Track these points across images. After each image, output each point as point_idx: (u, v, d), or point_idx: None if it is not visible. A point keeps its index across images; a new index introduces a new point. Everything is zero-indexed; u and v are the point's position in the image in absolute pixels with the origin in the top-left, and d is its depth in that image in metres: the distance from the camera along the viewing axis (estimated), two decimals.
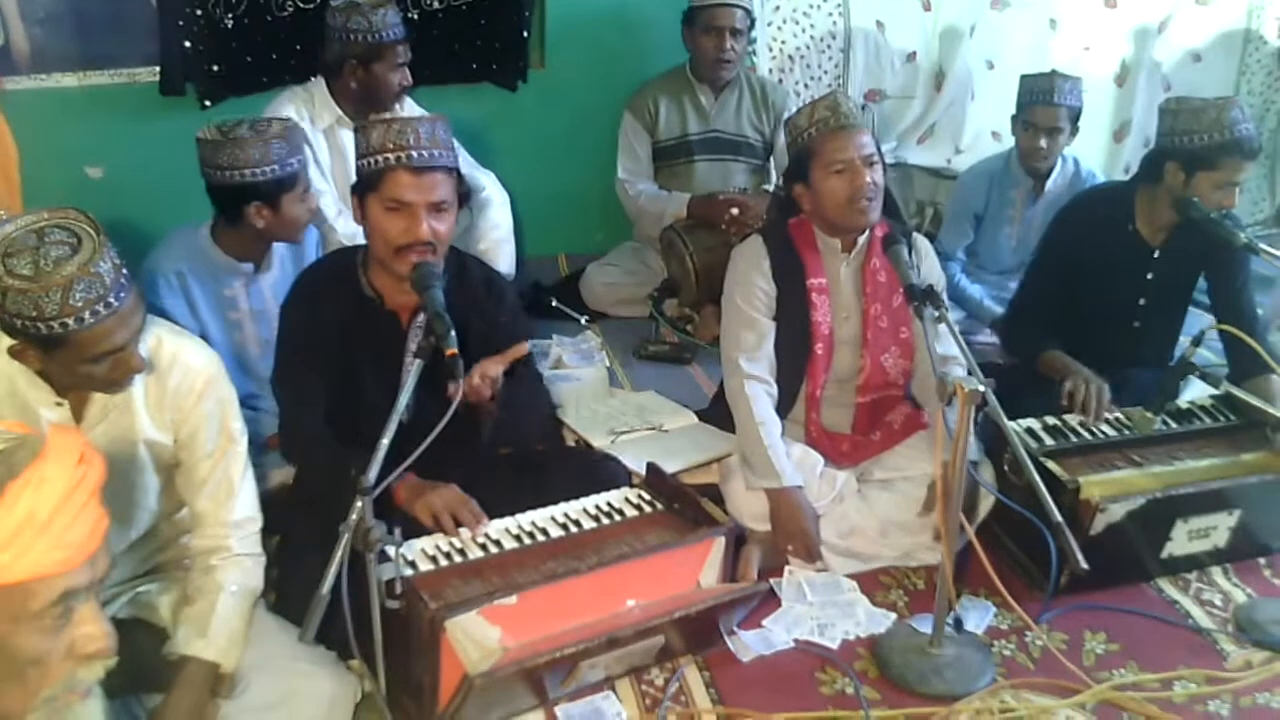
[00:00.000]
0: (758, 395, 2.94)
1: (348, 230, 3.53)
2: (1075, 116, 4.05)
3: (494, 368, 2.47)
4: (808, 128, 2.89)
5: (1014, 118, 4.14)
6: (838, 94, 2.91)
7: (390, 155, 2.44)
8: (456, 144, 3.98)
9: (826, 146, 2.85)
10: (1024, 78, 4.14)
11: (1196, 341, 2.91)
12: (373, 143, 2.47)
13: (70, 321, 1.86)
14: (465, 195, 2.60)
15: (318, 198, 3.04)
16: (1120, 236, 3.30)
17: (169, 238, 3.11)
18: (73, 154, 4.30)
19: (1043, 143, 4.04)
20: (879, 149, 2.91)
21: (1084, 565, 2.24)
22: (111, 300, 1.90)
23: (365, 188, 2.50)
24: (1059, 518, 2.27)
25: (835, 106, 2.87)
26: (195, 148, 2.94)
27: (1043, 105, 4.02)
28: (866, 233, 2.95)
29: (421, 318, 2.58)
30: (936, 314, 2.54)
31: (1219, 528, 2.93)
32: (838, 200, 2.85)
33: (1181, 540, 2.91)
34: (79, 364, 1.95)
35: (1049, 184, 4.15)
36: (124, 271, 1.95)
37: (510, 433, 2.71)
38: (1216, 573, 2.99)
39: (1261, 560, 3.04)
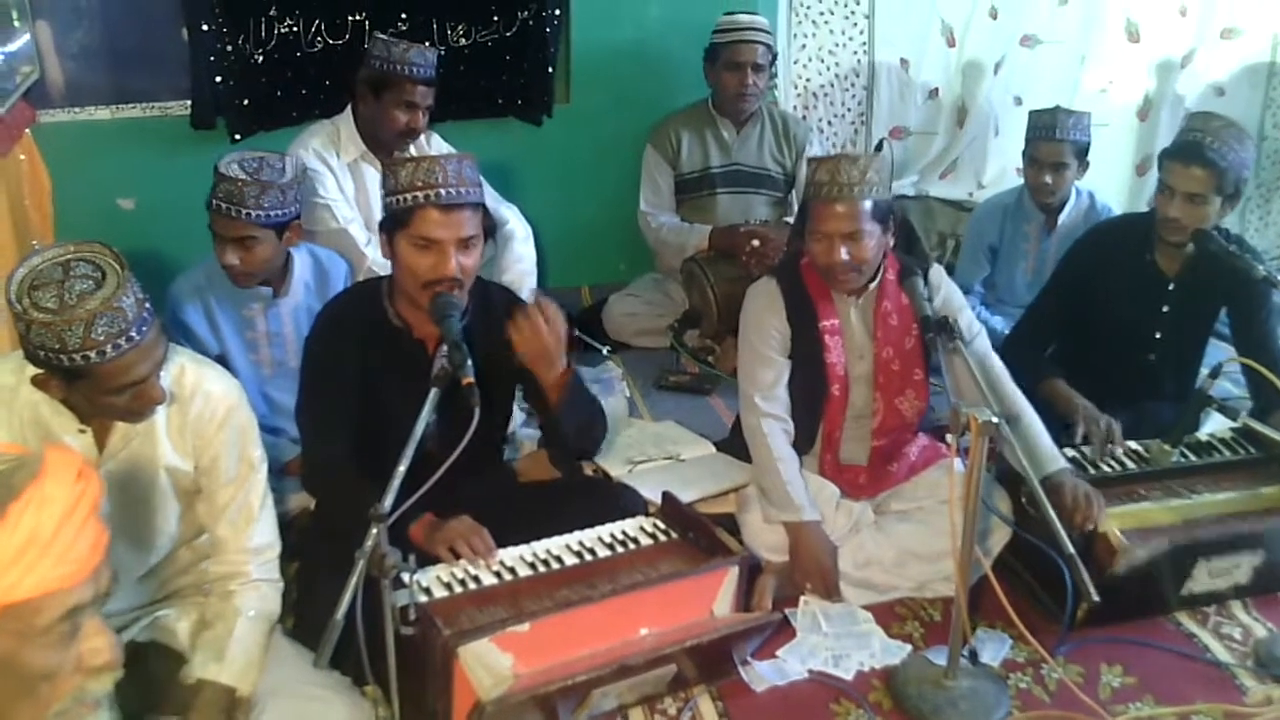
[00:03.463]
0: (774, 432, 2.96)
1: (378, 258, 3.58)
2: (1082, 151, 4.05)
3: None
4: (809, 183, 2.89)
5: (1023, 153, 4.16)
6: (841, 160, 2.84)
7: (419, 194, 2.48)
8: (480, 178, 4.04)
9: (815, 213, 2.86)
10: (1031, 113, 4.16)
11: (1214, 374, 2.88)
12: (401, 181, 2.50)
13: (92, 355, 1.91)
14: (491, 229, 2.65)
15: (299, 242, 3.12)
16: (1136, 266, 3.30)
17: (200, 261, 3.22)
18: (105, 185, 4.37)
19: (1048, 178, 4.05)
20: (885, 213, 2.87)
21: (1095, 597, 2.24)
22: (133, 334, 1.94)
23: (395, 224, 2.54)
24: (1072, 550, 2.27)
25: (834, 173, 2.81)
26: None
27: (1046, 141, 4.03)
28: (878, 277, 2.96)
29: (445, 346, 2.62)
30: (951, 345, 2.56)
31: (1242, 566, 2.92)
32: (817, 263, 2.89)
33: (1203, 578, 2.89)
34: (100, 395, 1.99)
35: (1062, 218, 4.15)
36: (147, 305, 1.99)
37: (573, 436, 2.81)
38: (1236, 606, 2.97)
39: None
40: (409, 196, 2.49)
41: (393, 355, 2.65)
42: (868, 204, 2.81)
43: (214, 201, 2.97)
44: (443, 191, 2.48)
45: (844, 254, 2.81)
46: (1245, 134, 3.14)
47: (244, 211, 2.96)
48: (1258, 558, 2.91)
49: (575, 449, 2.93)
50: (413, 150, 3.84)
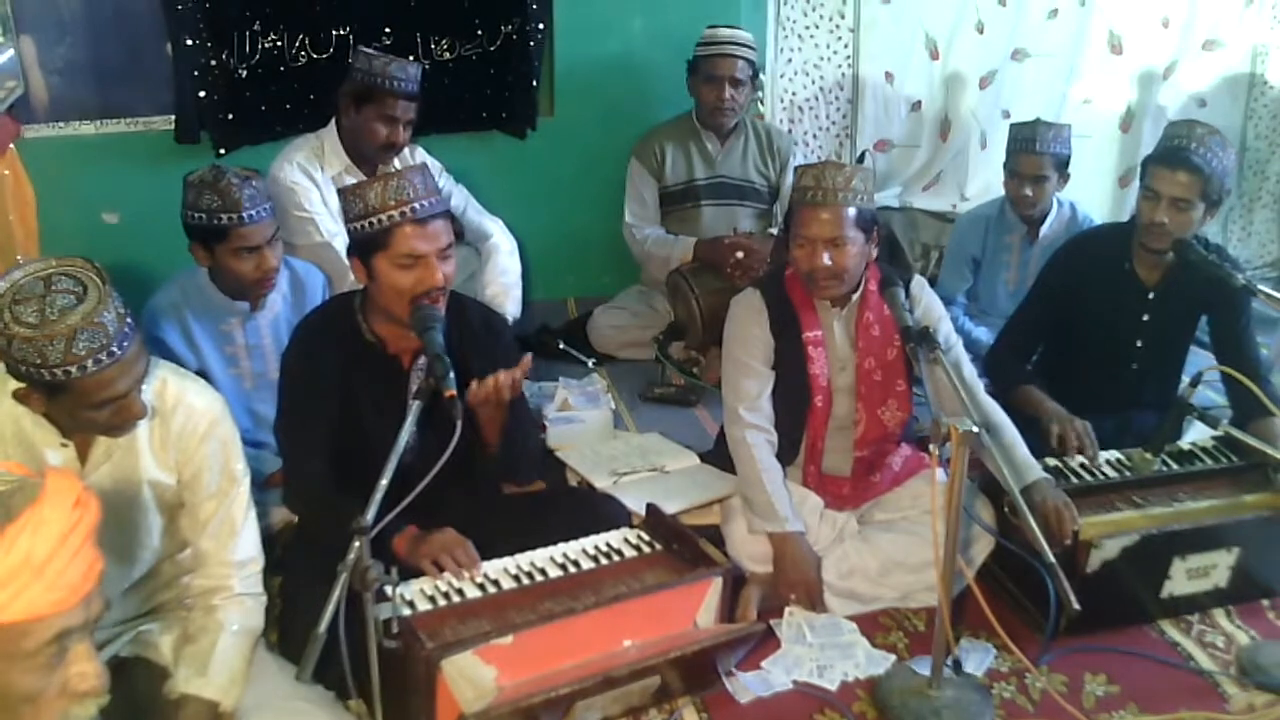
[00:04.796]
0: (758, 443, 2.97)
1: None
2: (1062, 164, 4.08)
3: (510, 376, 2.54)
4: (795, 189, 2.93)
5: (1004, 165, 4.19)
6: (828, 166, 2.88)
7: (394, 212, 2.46)
8: (466, 191, 4.07)
9: (799, 218, 2.88)
10: (1011, 126, 4.19)
11: (1195, 382, 2.88)
12: (371, 203, 2.47)
13: (73, 370, 1.91)
14: (459, 233, 2.65)
15: (277, 259, 3.10)
16: (1115, 276, 3.31)
17: (173, 277, 3.23)
18: (89, 200, 4.37)
19: (1028, 191, 4.08)
20: (867, 222, 2.89)
21: (1076, 605, 2.25)
22: (114, 349, 1.94)
23: (372, 248, 2.50)
24: (1052, 558, 2.28)
25: (819, 179, 2.85)
26: None
27: (1026, 154, 4.07)
28: (860, 287, 2.98)
29: (423, 360, 2.62)
30: (931, 355, 2.57)
31: (1219, 566, 2.92)
32: (800, 269, 2.90)
33: (1180, 579, 2.90)
34: (81, 409, 2.00)
35: (1044, 229, 4.19)
36: (128, 321, 1.99)
37: (508, 467, 2.77)
38: (1219, 614, 2.98)
39: (1265, 602, 3.03)
40: (384, 217, 2.47)
41: (368, 370, 2.65)
42: (851, 211, 2.83)
43: (240, 216, 2.95)
44: (417, 206, 2.48)
45: (826, 259, 2.82)
46: (1227, 141, 3.16)
47: (267, 207, 3.02)
48: (1233, 557, 2.91)
49: (500, 475, 2.90)
50: (396, 164, 3.85)
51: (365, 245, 2.51)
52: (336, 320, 2.69)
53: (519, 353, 2.86)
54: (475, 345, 2.72)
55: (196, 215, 2.99)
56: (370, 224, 2.48)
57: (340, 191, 2.57)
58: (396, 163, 3.85)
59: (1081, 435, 3.09)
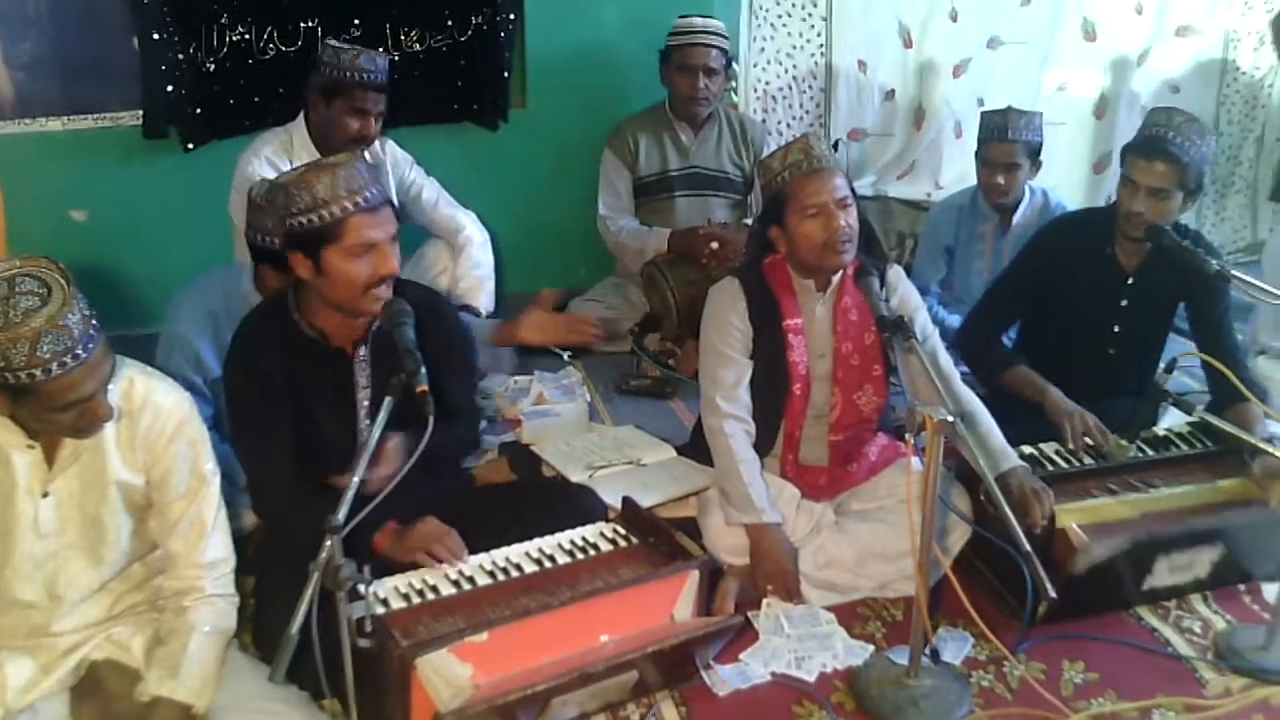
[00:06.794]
0: (736, 434, 2.95)
1: None
2: (1034, 151, 4.08)
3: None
4: (781, 171, 2.91)
5: (975, 154, 4.19)
6: (810, 137, 2.93)
7: (347, 203, 2.41)
8: (437, 184, 4.05)
9: (800, 190, 2.86)
10: (983, 114, 4.19)
11: (1170, 368, 2.88)
12: (321, 195, 2.40)
13: (37, 373, 1.88)
14: (398, 218, 2.62)
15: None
16: (1096, 260, 3.31)
17: (207, 276, 3.14)
18: (57, 197, 4.33)
19: (1000, 179, 4.08)
20: (852, 189, 2.92)
21: (1052, 594, 2.25)
22: (79, 352, 1.92)
23: (321, 241, 2.43)
24: (1028, 547, 2.28)
25: (808, 150, 2.88)
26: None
27: (998, 141, 4.06)
28: (840, 271, 2.97)
29: (364, 350, 2.61)
30: (906, 344, 2.57)
31: (1201, 560, 2.93)
32: (814, 243, 2.86)
33: (1163, 574, 2.91)
34: (46, 412, 1.97)
35: (1016, 217, 4.18)
36: (93, 322, 1.96)
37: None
38: (1196, 600, 2.99)
39: (1241, 587, 3.04)
40: (335, 209, 2.40)
41: (314, 367, 2.60)
42: (841, 176, 2.88)
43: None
44: (369, 194, 2.44)
45: (843, 220, 2.82)
46: (1207, 129, 3.16)
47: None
48: (1217, 552, 2.92)
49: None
50: (367, 157, 3.81)
51: (312, 238, 2.44)
52: (273, 322, 2.63)
53: (463, 338, 2.84)
54: (422, 332, 2.65)
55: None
56: (320, 216, 2.41)
57: (275, 186, 2.48)
58: (367, 156, 3.81)
59: (1092, 430, 3.11)
